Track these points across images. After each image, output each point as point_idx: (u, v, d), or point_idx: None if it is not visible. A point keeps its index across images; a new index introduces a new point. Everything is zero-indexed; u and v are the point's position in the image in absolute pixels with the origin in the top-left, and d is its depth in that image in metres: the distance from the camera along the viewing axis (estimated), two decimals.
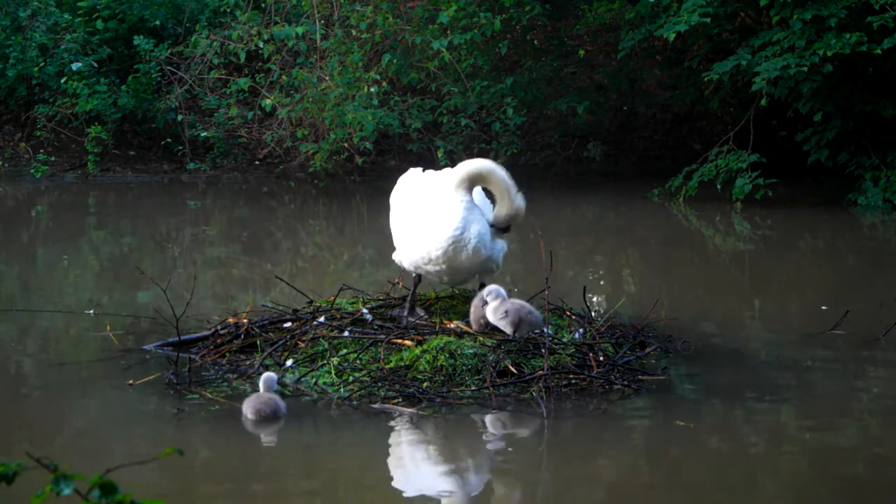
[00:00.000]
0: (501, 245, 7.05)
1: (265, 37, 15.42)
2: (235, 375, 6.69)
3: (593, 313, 7.57)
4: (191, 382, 6.54)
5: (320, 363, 6.64)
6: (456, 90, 15.30)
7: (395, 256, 7.20)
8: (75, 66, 15.92)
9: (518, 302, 6.67)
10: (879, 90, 14.19)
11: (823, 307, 9.00)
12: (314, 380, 6.51)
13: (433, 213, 6.85)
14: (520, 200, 6.89)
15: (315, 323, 6.99)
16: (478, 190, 7.10)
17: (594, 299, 8.85)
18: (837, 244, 12.38)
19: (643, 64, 17.37)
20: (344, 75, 14.72)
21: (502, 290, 6.73)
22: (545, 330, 6.68)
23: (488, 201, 7.18)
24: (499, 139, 15.56)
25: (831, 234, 12.75)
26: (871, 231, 12.85)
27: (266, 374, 6.16)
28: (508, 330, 6.61)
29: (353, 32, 15.30)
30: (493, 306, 6.61)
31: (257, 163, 16.42)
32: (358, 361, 6.61)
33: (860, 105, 13.88)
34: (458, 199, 6.79)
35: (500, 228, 6.96)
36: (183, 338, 7.14)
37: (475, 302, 6.77)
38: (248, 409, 6.03)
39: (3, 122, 16.97)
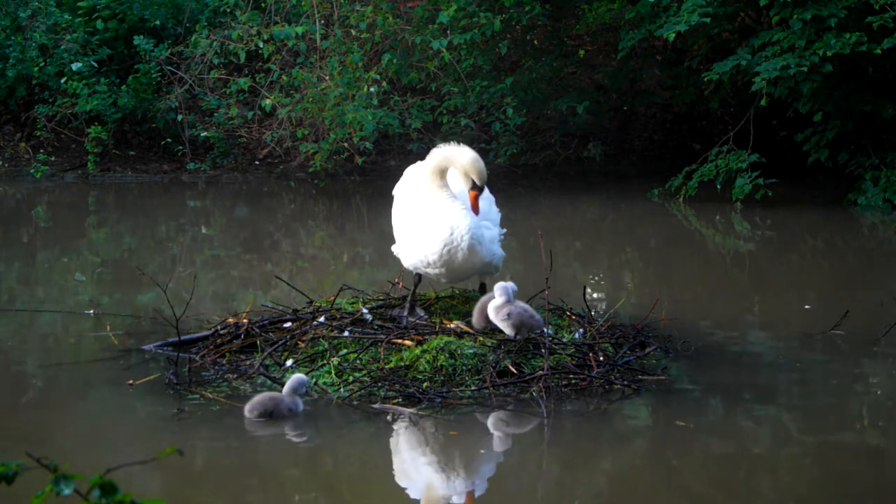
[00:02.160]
0: (500, 251, 7.02)
1: (265, 37, 15.42)
2: (235, 375, 6.69)
3: (593, 313, 7.57)
4: (191, 382, 6.54)
5: (320, 363, 6.64)
6: (456, 90, 15.30)
7: (395, 249, 7.19)
8: (75, 66, 15.91)
9: (521, 304, 6.64)
10: (879, 90, 14.19)
11: (807, 306, 9.02)
12: (314, 380, 6.51)
13: (430, 215, 6.82)
14: (463, 155, 6.71)
15: (315, 323, 6.99)
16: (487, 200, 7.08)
17: (594, 299, 8.85)
18: (837, 244, 12.38)
19: (643, 64, 17.37)
20: (344, 75, 14.71)
21: (510, 289, 6.74)
22: (545, 330, 6.68)
23: (496, 210, 7.18)
24: (499, 139, 15.56)
25: (831, 234, 12.75)
26: (871, 231, 12.85)
27: (297, 376, 6.17)
28: (509, 332, 6.60)
29: (353, 32, 15.30)
30: (496, 305, 6.60)
31: (257, 163, 16.42)
32: (358, 361, 6.61)
33: (860, 105, 13.87)
34: (440, 198, 6.77)
35: (476, 190, 6.79)
36: (183, 338, 7.14)
37: (483, 299, 6.75)
38: (247, 406, 6.05)
39: (3, 122, 16.96)
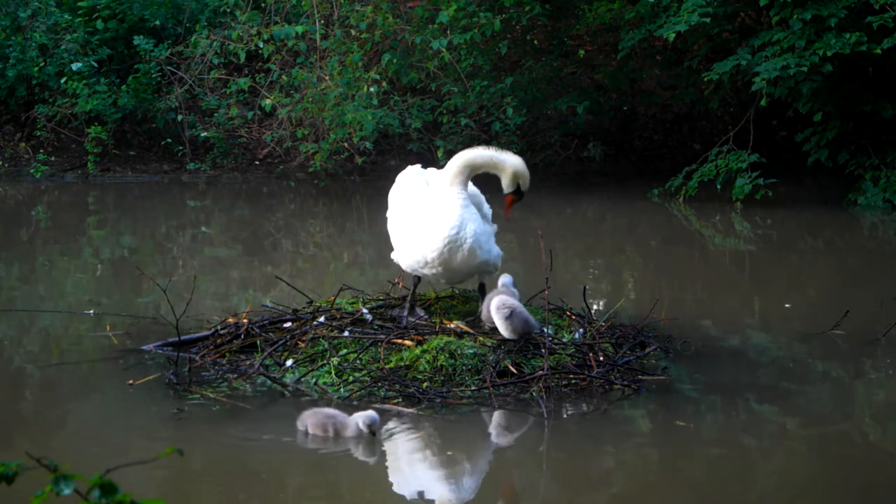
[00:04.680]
0: (497, 250, 7.03)
1: (265, 37, 15.42)
2: (235, 375, 6.69)
3: (593, 313, 7.57)
4: (191, 382, 6.54)
5: (320, 363, 6.64)
6: (456, 90, 15.30)
7: (394, 256, 7.19)
8: (75, 66, 15.92)
9: (521, 313, 6.60)
10: (879, 90, 14.19)
11: (787, 305, 9.03)
12: (314, 380, 6.51)
13: (429, 214, 6.82)
14: (513, 159, 6.84)
15: (315, 323, 6.99)
16: (480, 197, 7.10)
17: (594, 299, 8.85)
18: (837, 244, 12.38)
19: (643, 64, 17.37)
20: (344, 75, 14.71)
21: (509, 282, 6.75)
22: (545, 330, 6.68)
23: (487, 206, 7.18)
24: (499, 139, 15.54)
25: (831, 234, 12.75)
26: (871, 231, 12.85)
27: (369, 413, 5.81)
28: (506, 333, 6.58)
29: (353, 32, 15.30)
30: (497, 303, 6.58)
31: (257, 163, 16.42)
32: (358, 361, 6.61)
33: (860, 105, 13.87)
34: (454, 196, 6.76)
35: (512, 196, 6.93)
36: (183, 338, 7.14)
37: (490, 295, 6.76)
38: (308, 423, 5.83)
39: (3, 122, 16.96)
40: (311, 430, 5.81)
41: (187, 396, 6.35)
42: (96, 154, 15.88)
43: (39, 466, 2.66)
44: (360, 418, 5.76)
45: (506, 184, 6.89)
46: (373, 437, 5.75)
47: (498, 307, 6.57)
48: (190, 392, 6.41)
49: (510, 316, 6.53)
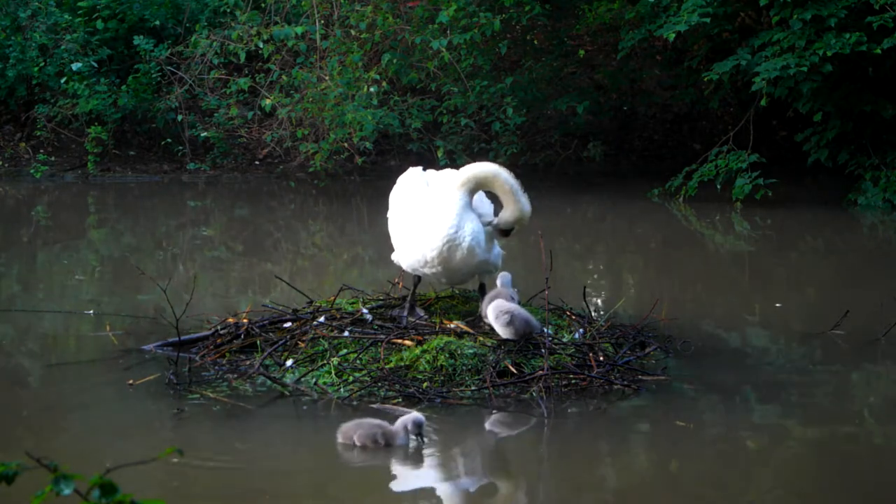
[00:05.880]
0: (497, 249, 7.04)
1: (265, 37, 15.42)
2: (235, 375, 6.69)
3: (593, 313, 7.56)
4: (191, 382, 6.54)
5: (320, 363, 6.64)
6: (456, 90, 15.29)
7: (394, 257, 7.20)
8: (75, 66, 15.92)
9: (522, 314, 6.59)
10: (879, 90, 14.19)
11: (777, 304, 9.03)
12: (314, 380, 6.51)
13: (429, 214, 6.82)
14: (526, 204, 6.85)
15: (315, 323, 6.99)
16: (479, 193, 7.09)
17: (594, 299, 8.85)
18: (837, 244, 12.38)
19: (643, 64, 17.37)
20: (344, 75, 14.71)
21: (508, 281, 6.76)
22: (545, 330, 6.68)
23: (488, 202, 7.17)
24: (499, 139, 15.55)
25: (831, 234, 12.75)
26: (871, 231, 12.85)
27: (415, 416, 5.68)
28: (506, 335, 6.57)
29: (353, 32, 15.30)
30: (495, 308, 6.58)
31: (257, 163, 16.42)
32: (358, 361, 6.61)
33: (860, 105, 13.87)
34: (455, 198, 6.76)
35: (501, 231, 6.94)
36: (183, 338, 7.14)
37: (491, 294, 6.76)
38: (356, 435, 5.67)
39: (3, 122, 16.96)
40: (359, 442, 5.63)
41: (187, 396, 6.35)
42: (96, 154, 15.88)
43: (39, 466, 2.66)
44: (409, 422, 5.62)
45: (506, 218, 6.86)
46: (421, 440, 5.62)
47: (496, 315, 6.57)
48: (190, 392, 6.41)
49: (511, 321, 6.52)
